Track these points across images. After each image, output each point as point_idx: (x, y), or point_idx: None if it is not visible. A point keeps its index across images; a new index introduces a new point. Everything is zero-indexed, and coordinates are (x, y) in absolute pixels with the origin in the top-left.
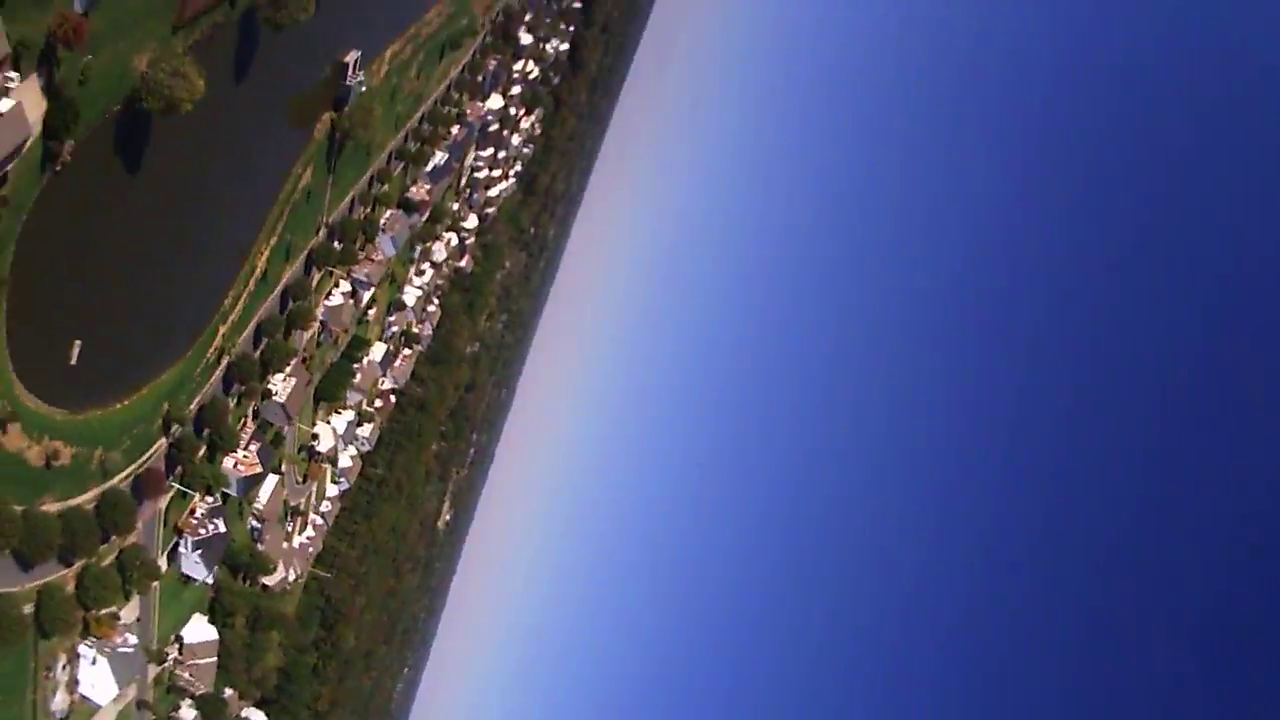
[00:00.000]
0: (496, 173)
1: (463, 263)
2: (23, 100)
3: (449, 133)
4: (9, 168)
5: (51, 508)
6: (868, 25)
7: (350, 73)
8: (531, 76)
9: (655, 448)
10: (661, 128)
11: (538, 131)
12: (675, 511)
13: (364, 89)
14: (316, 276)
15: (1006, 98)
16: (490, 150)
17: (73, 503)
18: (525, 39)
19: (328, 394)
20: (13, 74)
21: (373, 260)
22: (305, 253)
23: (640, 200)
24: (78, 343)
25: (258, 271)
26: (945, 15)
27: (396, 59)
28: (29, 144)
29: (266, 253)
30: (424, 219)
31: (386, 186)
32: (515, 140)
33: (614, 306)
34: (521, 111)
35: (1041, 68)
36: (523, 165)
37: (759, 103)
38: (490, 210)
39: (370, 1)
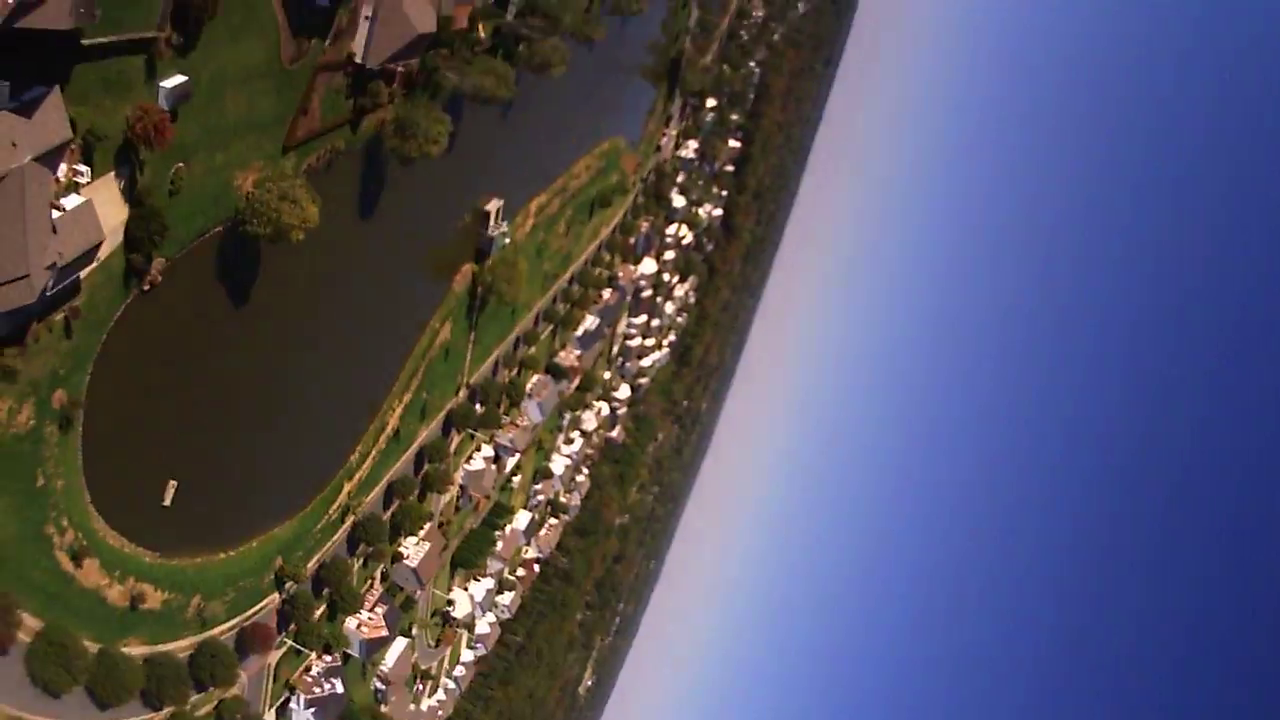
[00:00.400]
0: (650, 342)
1: (614, 433)
2: (95, 199)
3: (600, 296)
4: (82, 276)
5: (136, 650)
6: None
7: (492, 222)
8: (685, 242)
9: (802, 625)
10: (811, 302)
11: (692, 300)
12: (817, 691)
13: (507, 241)
14: (456, 439)
15: None
16: (643, 318)
17: (163, 648)
18: (678, 201)
19: (466, 561)
20: (83, 168)
21: (518, 426)
22: (443, 413)
23: (792, 375)
24: (173, 483)
25: (389, 429)
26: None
27: (543, 212)
28: (107, 253)
29: (399, 410)
30: (573, 386)
31: (533, 349)
32: (669, 308)
33: (764, 482)
34: (675, 278)
35: None
36: (677, 335)
37: (909, 279)
38: (643, 381)
39: (512, 146)
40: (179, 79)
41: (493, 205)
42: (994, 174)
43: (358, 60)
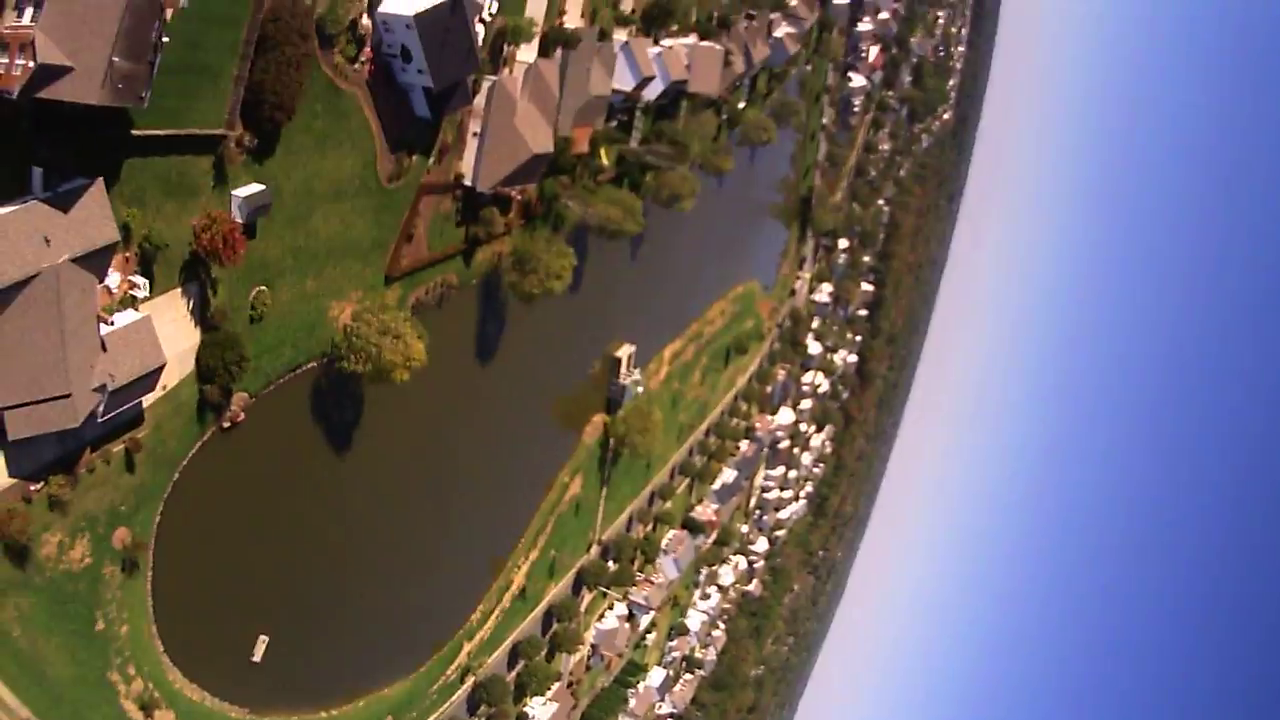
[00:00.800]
0: (787, 493)
1: (750, 586)
2: (155, 317)
3: (737, 448)
4: (145, 404)
5: None
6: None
7: (624, 370)
8: (821, 391)
9: None
10: (941, 443)
11: (828, 450)
12: None
13: (640, 390)
14: (587, 597)
15: None
16: (781, 469)
17: None
18: (814, 348)
19: (596, 719)
20: (139, 280)
21: (652, 583)
22: (573, 571)
23: (921, 522)
24: (264, 638)
25: (514, 587)
26: None
27: (678, 360)
28: (175, 380)
29: (526, 567)
30: (710, 541)
31: (669, 504)
32: (806, 459)
33: (896, 626)
34: (812, 428)
35: None
36: (814, 486)
37: (1034, 417)
38: (780, 533)
39: (642, 286)
40: (255, 188)
41: (624, 352)
42: (1113, 310)
43: (467, 183)
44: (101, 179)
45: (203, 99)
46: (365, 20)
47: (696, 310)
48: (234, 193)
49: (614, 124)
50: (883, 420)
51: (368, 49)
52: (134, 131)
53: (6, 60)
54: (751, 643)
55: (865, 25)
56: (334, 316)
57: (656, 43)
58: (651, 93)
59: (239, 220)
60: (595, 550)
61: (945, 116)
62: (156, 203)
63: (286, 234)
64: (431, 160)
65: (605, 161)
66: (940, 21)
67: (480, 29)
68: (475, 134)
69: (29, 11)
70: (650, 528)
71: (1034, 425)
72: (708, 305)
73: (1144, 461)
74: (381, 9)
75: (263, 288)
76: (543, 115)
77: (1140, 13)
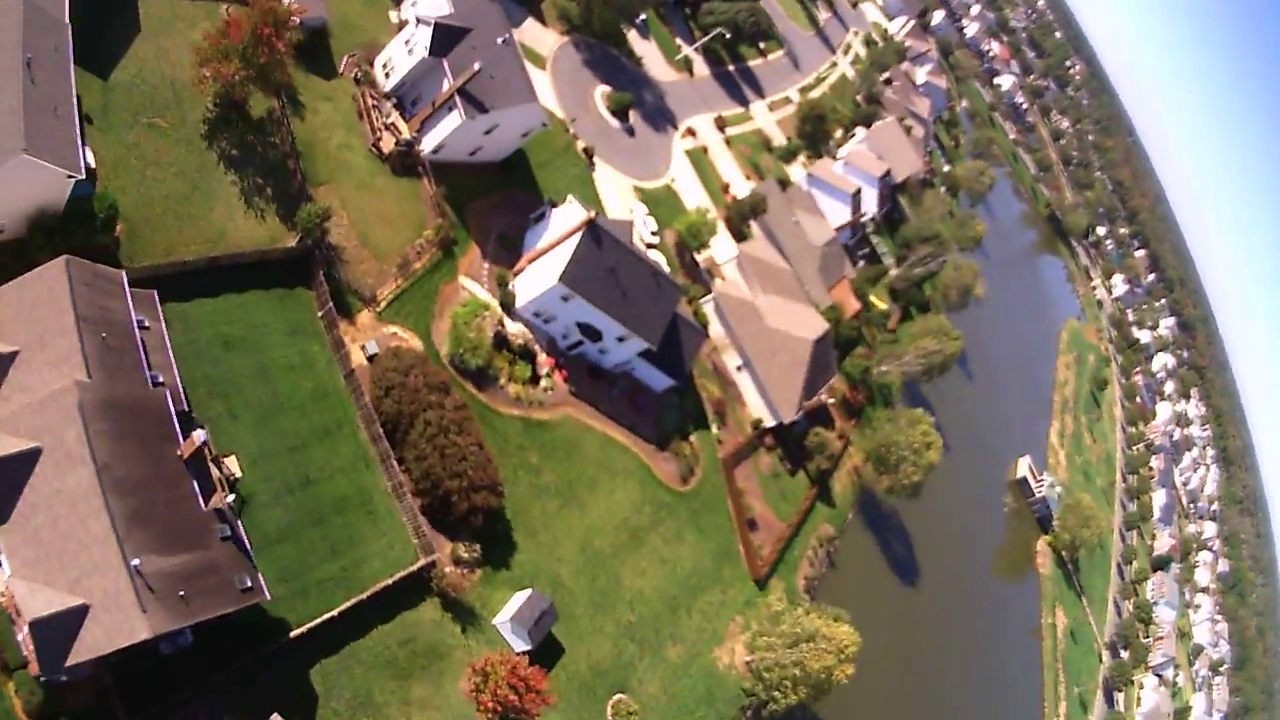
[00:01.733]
0: (1201, 470)
1: (1221, 566)
2: None
3: (1151, 469)
4: None
5: None
6: None
7: (1032, 483)
8: (1171, 367)
9: None
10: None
11: (1204, 411)
12: None
13: (1058, 489)
14: (1119, 698)
15: None
16: (1185, 455)
17: None
18: (1144, 337)
19: None
20: None
21: (1161, 638)
22: (1099, 689)
23: None
24: None
25: None
26: None
27: (1064, 438)
28: None
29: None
30: (1178, 563)
31: (1134, 563)
32: (1196, 431)
33: None
34: (1184, 402)
35: None
36: (1214, 447)
37: None
38: (1215, 506)
39: (995, 396)
40: (519, 599)
41: (1022, 468)
42: None
43: (769, 424)
44: (277, 715)
45: (367, 540)
46: (511, 327)
47: (1047, 380)
48: (495, 622)
49: (861, 263)
50: (1215, 352)
51: (542, 356)
52: (292, 634)
53: (21, 637)
54: (1245, 609)
55: (972, 28)
56: (727, 665)
57: (834, 159)
58: (870, 204)
59: (525, 650)
60: (1107, 656)
61: (1078, 67)
62: (395, 692)
63: (602, 622)
64: (714, 427)
65: (882, 304)
66: None
67: (657, 255)
68: (739, 367)
69: (3, 562)
70: (1134, 594)
71: None
72: (1051, 368)
73: None
74: (520, 304)
75: (619, 696)
76: (790, 299)
77: None
